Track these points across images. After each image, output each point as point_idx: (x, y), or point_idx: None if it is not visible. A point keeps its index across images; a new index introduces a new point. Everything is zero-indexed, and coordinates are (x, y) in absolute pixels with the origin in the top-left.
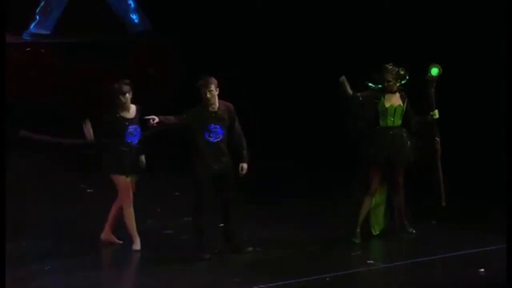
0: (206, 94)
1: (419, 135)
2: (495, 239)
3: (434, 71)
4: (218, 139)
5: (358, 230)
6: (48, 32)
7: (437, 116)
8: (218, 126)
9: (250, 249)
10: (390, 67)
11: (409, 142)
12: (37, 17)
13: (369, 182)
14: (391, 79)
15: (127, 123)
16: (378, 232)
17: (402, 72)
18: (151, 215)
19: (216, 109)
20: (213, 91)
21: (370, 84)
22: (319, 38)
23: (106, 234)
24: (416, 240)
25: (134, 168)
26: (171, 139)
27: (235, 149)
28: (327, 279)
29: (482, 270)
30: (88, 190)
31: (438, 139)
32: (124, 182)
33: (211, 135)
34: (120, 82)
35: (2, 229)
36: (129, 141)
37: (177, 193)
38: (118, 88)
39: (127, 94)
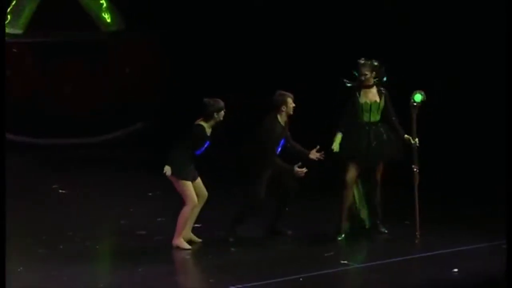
0: (291, 110)
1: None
2: (469, 239)
3: (418, 97)
4: (278, 152)
5: (342, 225)
6: (20, 32)
7: (417, 144)
8: (284, 140)
9: (231, 239)
10: (364, 60)
11: (387, 138)
12: (9, 16)
13: (345, 176)
14: (367, 72)
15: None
16: (367, 227)
17: (376, 63)
18: (124, 215)
19: (285, 123)
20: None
21: (345, 81)
22: (308, 37)
23: None
24: (390, 240)
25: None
26: (143, 139)
27: (294, 155)
28: (301, 279)
29: (456, 270)
30: (61, 191)
31: (416, 169)
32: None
33: (278, 148)
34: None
35: (2, 229)
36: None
37: (150, 194)
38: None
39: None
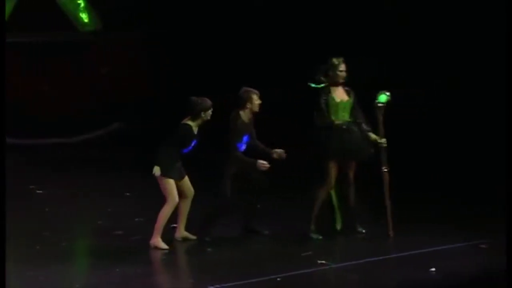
0: (256, 107)
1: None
2: (446, 239)
3: (382, 97)
4: (244, 149)
5: (313, 226)
6: None
7: (385, 144)
8: (248, 137)
9: (207, 239)
10: (337, 59)
11: (361, 137)
12: None
13: (326, 176)
14: (344, 69)
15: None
16: (339, 229)
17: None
18: (101, 215)
19: (249, 120)
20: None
21: (312, 85)
22: (308, 36)
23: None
24: (367, 240)
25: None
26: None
27: (256, 151)
28: (278, 279)
29: (433, 269)
30: (38, 191)
31: (386, 169)
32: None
33: (243, 145)
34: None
35: (2, 229)
36: None
37: (128, 194)
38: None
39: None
